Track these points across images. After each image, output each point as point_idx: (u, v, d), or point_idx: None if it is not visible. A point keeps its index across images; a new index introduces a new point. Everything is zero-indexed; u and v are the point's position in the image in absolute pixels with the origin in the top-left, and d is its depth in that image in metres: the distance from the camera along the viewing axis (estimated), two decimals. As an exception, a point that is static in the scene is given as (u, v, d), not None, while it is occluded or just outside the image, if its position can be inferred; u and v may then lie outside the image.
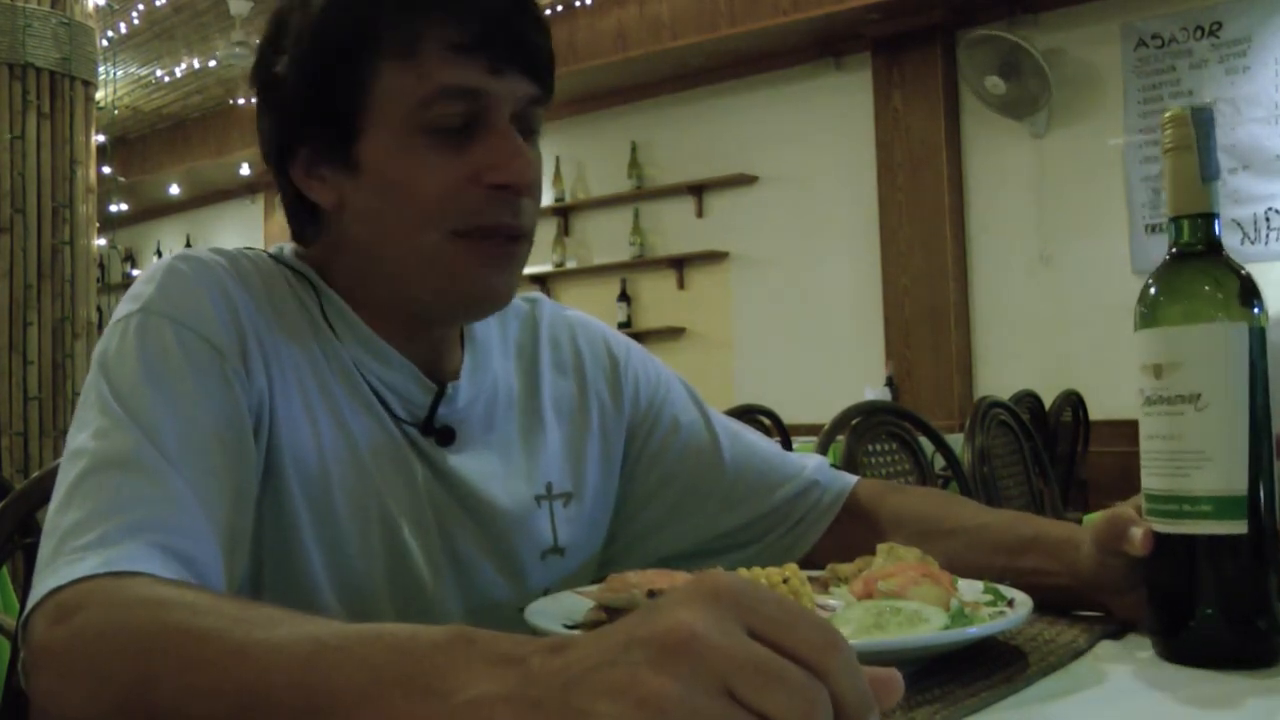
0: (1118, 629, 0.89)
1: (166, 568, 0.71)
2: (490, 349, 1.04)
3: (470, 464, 0.97)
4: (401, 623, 0.89)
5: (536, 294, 1.15)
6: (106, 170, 5.19)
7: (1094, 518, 0.92)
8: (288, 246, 0.99)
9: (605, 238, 6.81)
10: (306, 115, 0.90)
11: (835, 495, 1.12)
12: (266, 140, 0.94)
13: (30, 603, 0.70)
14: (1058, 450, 4.39)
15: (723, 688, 0.42)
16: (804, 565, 0.85)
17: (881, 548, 0.92)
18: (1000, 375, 5.36)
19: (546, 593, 0.99)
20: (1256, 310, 0.79)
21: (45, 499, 1.08)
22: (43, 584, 0.70)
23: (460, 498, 0.96)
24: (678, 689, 0.42)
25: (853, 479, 1.16)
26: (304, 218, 0.95)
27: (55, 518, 0.75)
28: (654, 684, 0.42)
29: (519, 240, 0.92)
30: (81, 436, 0.79)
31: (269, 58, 0.92)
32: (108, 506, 0.74)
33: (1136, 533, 0.82)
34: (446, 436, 0.96)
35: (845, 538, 1.10)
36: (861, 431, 2.11)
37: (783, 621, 0.44)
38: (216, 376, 0.84)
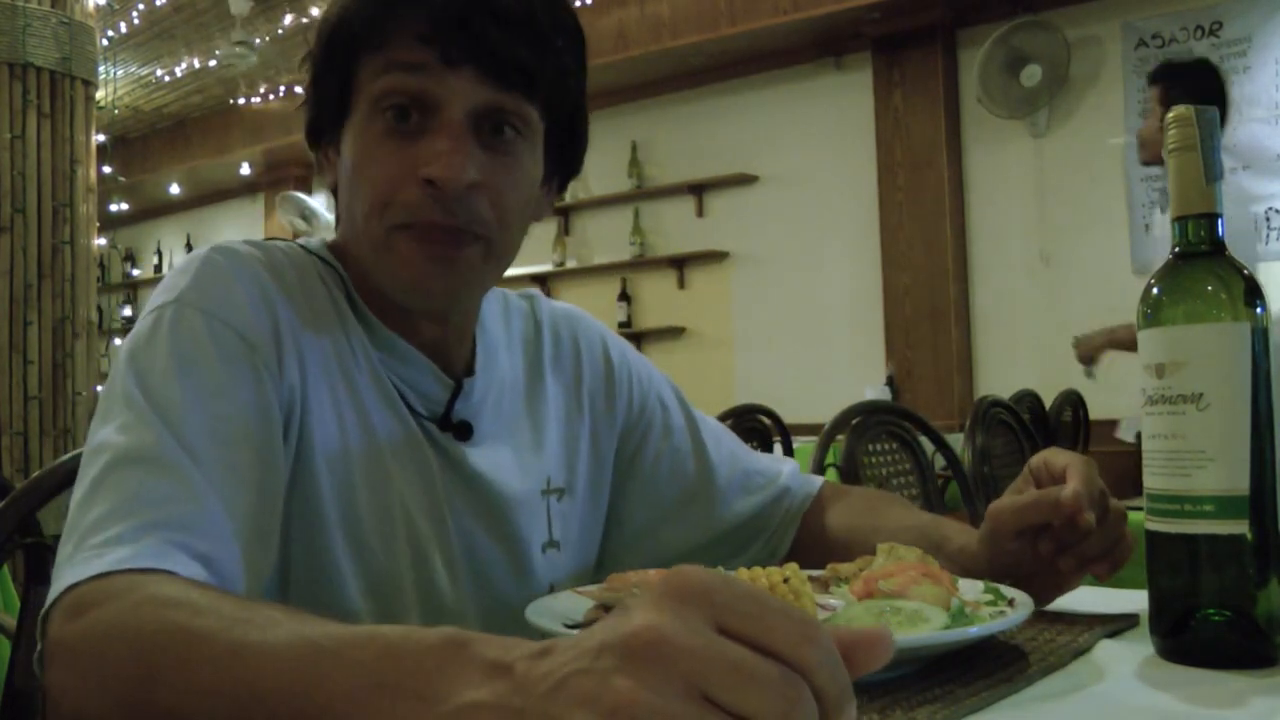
0: (1118, 629, 0.89)
1: (184, 566, 0.71)
2: (497, 343, 1.04)
3: (485, 457, 0.98)
4: (421, 620, 0.90)
5: (533, 291, 1.15)
6: (107, 170, 5.19)
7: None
8: (316, 238, 1.00)
9: (605, 237, 6.81)
10: (318, 102, 0.95)
11: (803, 499, 1.16)
12: (307, 130, 0.99)
13: (50, 598, 0.70)
14: (1058, 450, 4.38)
15: (695, 690, 0.41)
16: (802, 565, 0.85)
17: (881, 547, 0.92)
18: (1000, 375, 5.35)
19: (551, 589, 0.99)
20: (1259, 310, 0.79)
21: (45, 499, 1.08)
22: (61, 580, 0.70)
23: (476, 491, 0.97)
24: (648, 696, 0.41)
25: (819, 481, 1.18)
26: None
27: (76, 513, 0.75)
28: (623, 692, 0.41)
29: (459, 241, 0.90)
30: (106, 430, 0.79)
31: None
32: (129, 504, 0.74)
33: (1057, 495, 0.87)
34: (464, 432, 0.97)
35: (802, 542, 1.14)
36: (862, 431, 2.11)
37: (755, 616, 0.42)
38: (247, 370, 0.84)
